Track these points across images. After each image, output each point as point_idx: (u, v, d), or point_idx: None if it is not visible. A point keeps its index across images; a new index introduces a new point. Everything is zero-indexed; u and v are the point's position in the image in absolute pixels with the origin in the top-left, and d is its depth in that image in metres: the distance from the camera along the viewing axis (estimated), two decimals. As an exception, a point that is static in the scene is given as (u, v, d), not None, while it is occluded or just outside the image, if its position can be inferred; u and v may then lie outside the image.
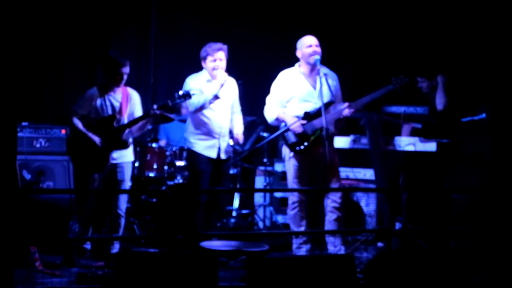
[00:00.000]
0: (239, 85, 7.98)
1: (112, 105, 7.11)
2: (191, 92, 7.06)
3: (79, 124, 7.03)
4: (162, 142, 9.01)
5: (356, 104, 7.16)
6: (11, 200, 6.82)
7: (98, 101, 7.09)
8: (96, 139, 6.95)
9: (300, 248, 7.29)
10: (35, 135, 7.99)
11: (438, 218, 7.64)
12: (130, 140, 7.18)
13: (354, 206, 8.43)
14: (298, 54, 7.37)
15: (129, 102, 7.18)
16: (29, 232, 7.00)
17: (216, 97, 7.32)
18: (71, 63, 9.41)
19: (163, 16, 9.85)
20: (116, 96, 7.13)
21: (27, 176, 7.76)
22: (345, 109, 7.15)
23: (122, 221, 7.16)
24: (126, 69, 7.06)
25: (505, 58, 8.88)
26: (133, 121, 7.06)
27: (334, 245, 7.28)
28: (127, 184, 7.28)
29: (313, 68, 7.30)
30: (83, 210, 7.16)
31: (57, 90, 9.32)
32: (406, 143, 7.49)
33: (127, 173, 7.21)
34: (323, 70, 7.31)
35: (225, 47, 7.42)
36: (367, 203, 8.37)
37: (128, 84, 7.24)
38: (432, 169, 7.81)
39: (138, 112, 7.22)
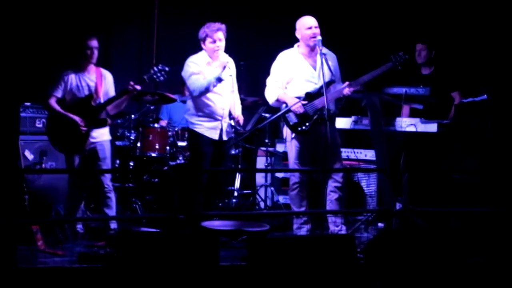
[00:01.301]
0: (241, 66, 7.98)
1: (88, 85, 7.16)
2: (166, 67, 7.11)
3: (56, 106, 7.10)
4: (164, 123, 9.03)
5: (356, 82, 7.16)
6: (14, 180, 6.89)
7: (74, 82, 7.14)
8: (76, 118, 7.00)
9: (301, 228, 7.32)
10: (38, 115, 8.00)
11: (439, 198, 7.67)
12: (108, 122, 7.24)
13: (355, 186, 8.46)
14: (298, 34, 7.35)
15: (104, 82, 7.23)
16: (31, 212, 7.05)
17: (219, 79, 7.29)
18: (73, 48, 9.39)
19: (166, 4, 9.85)
20: (91, 76, 7.18)
21: (30, 156, 7.78)
22: (345, 88, 7.15)
23: (112, 194, 7.22)
24: (94, 43, 7.10)
25: (507, 40, 8.88)
26: (111, 99, 7.11)
27: (336, 225, 7.31)
28: (109, 161, 7.33)
29: (312, 48, 7.30)
30: (76, 192, 7.21)
31: (60, 71, 9.31)
32: (407, 124, 7.51)
33: (108, 151, 7.26)
34: (323, 50, 7.29)
35: (223, 26, 7.36)
36: (368, 184, 8.40)
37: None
38: (432, 150, 7.84)
39: (112, 91, 7.27)
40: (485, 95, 7.67)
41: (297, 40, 7.41)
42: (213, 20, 7.52)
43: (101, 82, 7.18)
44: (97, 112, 7.09)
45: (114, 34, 9.69)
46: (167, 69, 7.14)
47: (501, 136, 7.38)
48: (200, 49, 7.51)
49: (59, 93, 7.13)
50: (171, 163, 8.36)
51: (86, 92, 7.13)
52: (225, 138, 7.51)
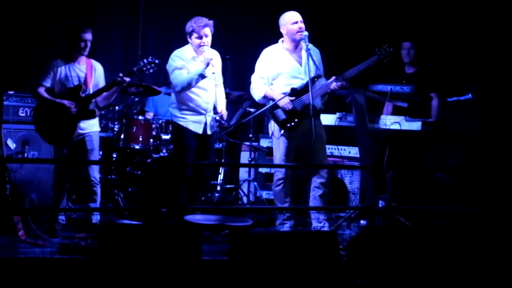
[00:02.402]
0: (226, 59, 7.95)
1: (77, 76, 7.09)
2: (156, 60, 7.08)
3: (45, 94, 7.03)
4: (150, 115, 8.99)
5: (342, 77, 7.13)
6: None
7: (63, 72, 7.07)
8: (65, 101, 6.94)
9: (284, 224, 7.31)
10: (21, 103, 7.93)
11: (422, 196, 7.68)
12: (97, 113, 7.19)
13: (338, 183, 8.46)
14: (282, 30, 7.30)
15: (94, 73, 7.16)
16: (13, 201, 7.00)
17: (202, 76, 7.26)
18: (58, 33, 9.34)
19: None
20: (81, 67, 7.12)
21: (12, 145, 7.73)
22: (333, 83, 7.13)
23: (97, 188, 7.15)
24: (88, 36, 7.02)
25: (492, 39, 8.91)
26: (100, 90, 7.05)
27: (319, 221, 7.30)
28: (97, 153, 7.28)
29: (297, 44, 7.28)
30: (61, 181, 7.16)
31: (44, 59, 9.27)
32: (391, 121, 7.52)
33: (96, 142, 7.20)
34: (307, 45, 7.25)
35: (211, 22, 7.32)
36: (351, 181, 8.40)
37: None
38: (416, 148, 7.85)
39: (102, 83, 7.20)
40: (470, 94, 7.70)
41: (281, 34, 7.38)
42: (199, 13, 7.48)
43: (91, 73, 7.12)
44: (86, 102, 7.03)
45: (99, 25, 9.64)
46: (156, 61, 7.11)
47: (486, 135, 7.40)
48: (186, 41, 7.47)
49: (47, 82, 7.06)
50: (154, 155, 8.32)
51: (76, 83, 7.06)
52: (209, 132, 7.48)
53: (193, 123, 7.40)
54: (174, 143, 7.88)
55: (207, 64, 7.25)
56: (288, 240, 5.05)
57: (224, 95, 7.70)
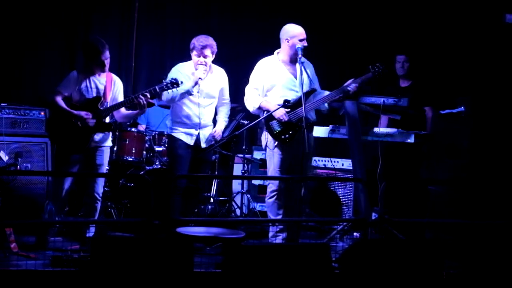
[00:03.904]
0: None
1: (97, 87, 7.09)
2: (179, 80, 7.08)
3: (62, 103, 6.99)
4: (142, 127, 8.99)
5: (342, 89, 7.19)
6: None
7: (83, 83, 7.06)
8: (82, 113, 6.92)
9: (277, 237, 7.30)
10: (14, 116, 7.92)
11: (414, 209, 7.69)
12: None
13: (331, 195, 8.46)
14: (286, 42, 7.30)
15: (113, 87, 7.18)
16: (5, 214, 6.98)
17: (188, 92, 7.32)
18: (52, 44, 9.36)
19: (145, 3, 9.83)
20: (101, 79, 7.12)
21: (5, 157, 7.71)
22: (352, 84, 7.18)
23: (98, 204, 7.14)
24: (106, 55, 7.03)
25: (484, 51, 8.95)
26: (118, 105, 7.06)
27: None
28: (105, 168, 7.28)
29: (294, 57, 7.30)
30: (59, 192, 7.15)
31: (37, 71, 9.28)
32: (384, 133, 7.53)
33: (106, 158, 7.21)
34: (301, 59, 7.27)
35: (212, 44, 7.38)
36: (344, 193, 8.40)
37: (108, 67, 7.22)
38: (409, 160, 7.87)
39: (121, 98, 7.22)
40: (462, 107, 7.72)
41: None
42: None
43: (110, 86, 7.13)
44: (103, 115, 7.03)
45: (93, 27, 9.61)
46: (178, 82, 7.09)
47: (478, 148, 7.41)
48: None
49: (65, 91, 7.04)
50: (147, 167, 8.32)
51: (94, 94, 7.06)
52: (203, 145, 7.50)
53: (185, 135, 7.44)
54: (168, 154, 7.92)
55: (195, 83, 7.31)
56: (281, 252, 5.05)
57: (227, 114, 7.73)
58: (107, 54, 7.04)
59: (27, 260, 6.27)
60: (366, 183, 7.27)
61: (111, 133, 7.27)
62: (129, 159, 8.31)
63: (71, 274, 5.79)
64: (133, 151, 8.31)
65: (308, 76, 7.20)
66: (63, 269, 5.91)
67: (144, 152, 8.40)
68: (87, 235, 7.05)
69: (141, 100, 6.97)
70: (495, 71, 8.62)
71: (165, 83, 7.07)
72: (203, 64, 7.37)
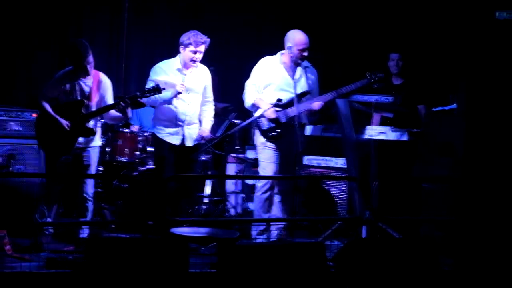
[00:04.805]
0: (211, 71, 7.95)
1: (81, 89, 7.08)
2: (160, 86, 7.07)
3: (47, 106, 7.01)
4: (135, 128, 8.98)
5: (337, 92, 7.22)
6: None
7: (68, 85, 7.06)
8: (64, 122, 6.93)
9: (261, 236, 7.32)
10: (6, 118, 7.90)
11: (408, 207, 7.70)
12: (98, 125, 7.19)
13: (325, 194, 8.46)
14: (288, 50, 7.35)
15: (100, 88, 7.15)
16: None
17: (167, 102, 7.35)
18: (43, 46, 9.34)
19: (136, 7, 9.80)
20: (87, 81, 7.10)
21: (-3, 159, 7.71)
22: (315, 102, 7.21)
23: (90, 205, 7.15)
24: (89, 59, 7.00)
25: (477, 48, 8.95)
26: (100, 110, 7.05)
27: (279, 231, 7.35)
28: (94, 168, 7.27)
29: (294, 62, 7.33)
30: (51, 194, 7.14)
31: (29, 72, 9.25)
32: (377, 132, 7.54)
33: (94, 158, 7.21)
34: (305, 64, 7.40)
35: (208, 41, 7.40)
36: (338, 192, 8.40)
37: (99, 67, 7.20)
38: (402, 158, 7.88)
39: (110, 98, 7.19)
40: (455, 104, 7.73)
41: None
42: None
43: (97, 88, 7.11)
44: (85, 120, 7.01)
45: (83, 35, 9.59)
46: (162, 88, 7.08)
47: (470, 145, 7.43)
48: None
49: (50, 93, 7.06)
50: (140, 168, 8.31)
51: (79, 97, 7.05)
52: (189, 144, 7.48)
53: (170, 135, 7.44)
54: (154, 155, 7.93)
55: (175, 95, 7.29)
56: (276, 251, 5.06)
57: (211, 114, 7.74)
58: (91, 58, 7.01)
59: (22, 262, 6.26)
60: (359, 182, 7.28)
61: (99, 132, 7.26)
62: (122, 160, 8.29)
63: (66, 275, 5.78)
64: (126, 151, 8.29)
65: (306, 80, 7.27)
66: (58, 271, 5.90)
67: (137, 153, 8.38)
68: (81, 236, 7.05)
69: (120, 106, 6.97)
70: (487, 68, 8.63)
71: (146, 89, 7.08)
72: (197, 61, 7.35)
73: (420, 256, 5.34)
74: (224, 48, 10.01)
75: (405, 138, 7.53)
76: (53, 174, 7.24)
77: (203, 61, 7.57)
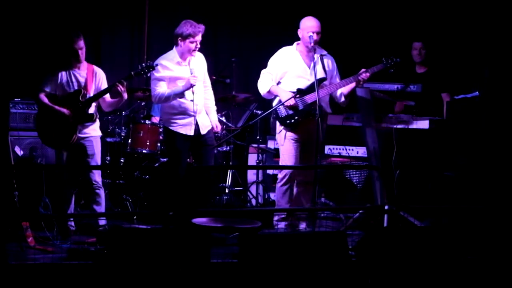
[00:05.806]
0: (232, 62, 7.94)
1: (77, 81, 7.18)
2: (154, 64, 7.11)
3: (45, 99, 7.12)
4: (156, 119, 9.00)
5: (350, 79, 7.22)
6: (4, 176, 6.86)
7: (64, 78, 7.17)
8: (64, 110, 7.03)
9: (279, 224, 7.33)
10: (28, 111, 7.98)
11: (430, 195, 7.67)
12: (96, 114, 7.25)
13: (347, 183, 8.44)
14: (299, 33, 7.37)
15: (95, 78, 7.24)
16: (22, 208, 7.00)
17: (181, 94, 7.23)
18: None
19: (157, 2, 9.80)
20: (81, 72, 7.21)
21: (20, 152, 7.75)
22: (363, 74, 7.19)
23: (101, 191, 7.19)
24: (80, 44, 7.09)
25: (499, 37, 8.89)
26: (99, 94, 7.12)
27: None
28: (98, 157, 7.29)
29: (310, 49, 7.31)
30: (67, 187, 7.19)
31: (51, 67, 9.28)
32: (399, 120, 7.51)
33: (97, 147, 7.24)
34: (321, 51, 7.37)
35: (204, 27, 7.27)
36: (360, 181, 8.38)
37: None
38: (424, 147, 7.84)
39: (105, 87, 7.24)
40: (477, 92, 7.68)
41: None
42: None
43: (92, 78, 7.20)
44: (85, 107, 7.08)
45: (105, 33, 9.63)
46: (155, 65, 7.11)
47: (493, 133, 7.38)
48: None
49: (49, 88, 7.16)
50: (161, 159, 8.33)
51: (76, 87, 7.14)
52: (203, 132, 7.38)
53: (184, 127, 7.30)
54: (166, 148, 7.90)
55: (188, 88, 7.18)
56: (297, 241, 5.05)
57: (213, 100, 7.63)
58: (81, 43, 7.09)
59: (45, 254, 6.30)
60: (381, 171, 7.25)
61: (98, 123, 7.29)
62: (144, 151, 8.31)
63: (88, 267, 5.80)
64: (147, 143, 8.31)
65: (324, 67, 7.24)
66: (80, 262, 5.93)
67: (158, 144, 8.39)
68: (100, 223, 7.10)
69: (118, 88, 7.02)
70: (510, 56, 8.56)
71: (140, 68, 7.10)
72: (196, 50, 7.29)
73: (443, 245, 5.31)
74: (245, 40, 9.99)
75: (426, 126, 7.49)
76: (73, 166, 7.27)
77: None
